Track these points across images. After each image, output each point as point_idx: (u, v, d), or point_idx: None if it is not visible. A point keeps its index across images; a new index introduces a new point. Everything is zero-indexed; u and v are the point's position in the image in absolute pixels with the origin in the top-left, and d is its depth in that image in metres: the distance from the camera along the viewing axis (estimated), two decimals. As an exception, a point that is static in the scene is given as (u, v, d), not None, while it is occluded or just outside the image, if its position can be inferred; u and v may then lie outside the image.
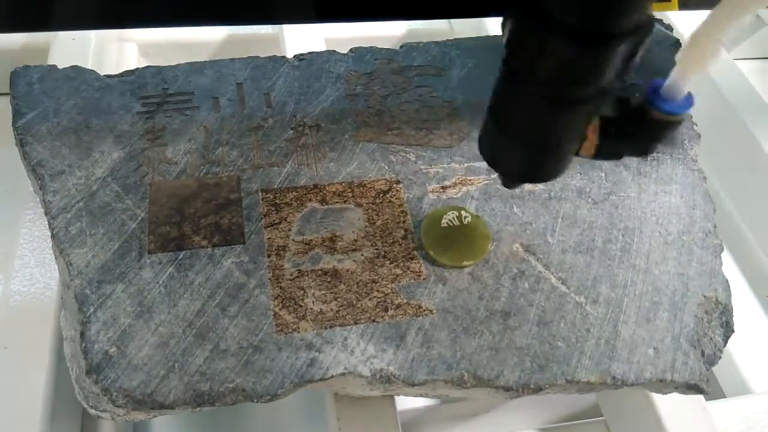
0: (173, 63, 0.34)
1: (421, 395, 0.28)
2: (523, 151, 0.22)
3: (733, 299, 0.49)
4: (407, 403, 0.40)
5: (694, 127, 0.35)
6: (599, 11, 0.16)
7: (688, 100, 0.20)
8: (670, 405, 0.33)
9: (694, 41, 0.19)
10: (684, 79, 0.20)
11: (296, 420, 0.39)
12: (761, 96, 0.49)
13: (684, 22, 0.52)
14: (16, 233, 0.36)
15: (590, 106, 0.19)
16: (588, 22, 0.16)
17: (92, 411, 0.26)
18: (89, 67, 0.34)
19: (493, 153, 0.23)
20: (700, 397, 0.34)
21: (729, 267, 0.51)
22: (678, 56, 0.19)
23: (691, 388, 0.27)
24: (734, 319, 0.48)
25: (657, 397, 0.33)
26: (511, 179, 0.24)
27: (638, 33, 0.17)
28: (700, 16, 0.53)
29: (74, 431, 0.33)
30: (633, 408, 0.34)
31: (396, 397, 0.32)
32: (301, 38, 0.46)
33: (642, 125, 0.21)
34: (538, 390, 0.25)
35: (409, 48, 0.36)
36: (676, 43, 0.38)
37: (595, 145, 0.21)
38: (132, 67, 0.34)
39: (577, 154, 0.21)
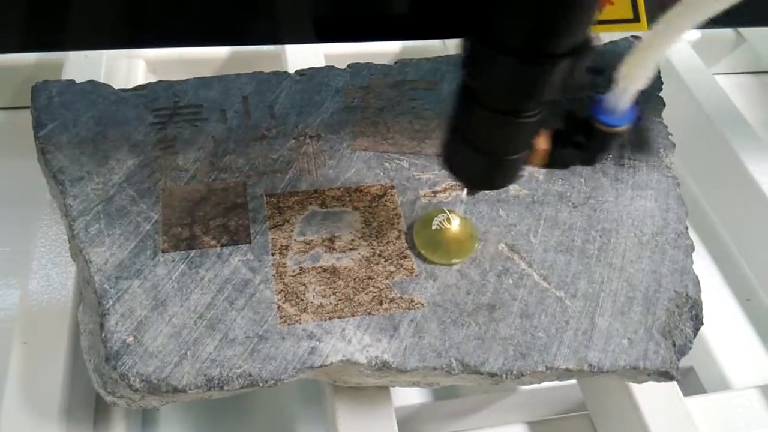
0: (179, 78, 0.36)
1: (414, 384, 0.31)
2: (479, 160, 0.24)
3: (716, 302, 0.51)
4: (403, 399, 0.42)
5: (669, 137, 0.37)
6: (540, 35, 0.19)
7: (631, 112, 0.22)
8: (648, 398, 0.35)
9: (631, 59, 0.21)
10: (624, 94, 0.22)
11: (297, 411, 0.41)
12: (738, 109, 0.52)
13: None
14: (34, 237, 0.38)
15: (537, 118, 0.22)
16: (531, 44, 0.19)
17: (109, 398, 0.28)
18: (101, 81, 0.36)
19: (452, 162, 0.25)
20: (678, 391, 0.36)
21: (712, 272, 0.54)
22: (616, 74, 0.21)
23: (662, 375, 0.29)
24: (716, 318, 0.50)
25: (637, 391, 0.35)
26: (470, 186, 0.27)
27: (577, 52, 0.19)
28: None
29: (88, 420, 0.35)
30: (615, 402, 0.36)
31: (393, 393, 0.34)
32: (302, 54, 0.48)
33: (588, 136, 0.23)
34: (520, 376, 0.28)
35: (403, 64, 0.39)
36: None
37: (546, 155, 0.24)
38: (141, 82, 0.36)
39: (530, 163, 0.24)
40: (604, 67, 0.39)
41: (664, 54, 0.20)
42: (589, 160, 0.24)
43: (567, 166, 0.25)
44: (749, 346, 0.50)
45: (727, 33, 0.65)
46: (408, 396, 0.42)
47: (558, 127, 0.24)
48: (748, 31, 0.65)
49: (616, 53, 0.41)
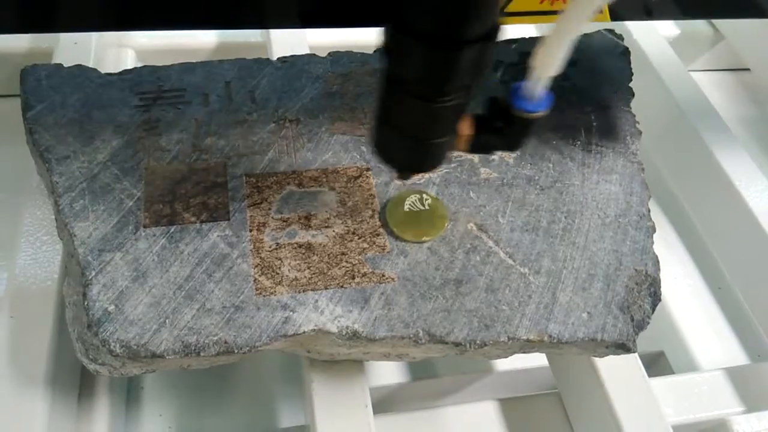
0: (168, 65, 0.38)
1: (385, 355, 0.32)
2: (405, 145, 0.25)
3: (689, 291, 0.53)
4: (381, 379, 0.44)
5: (636, 125, 0.39)
6: (449, 21, 0.19)
7: (548, 99, 0.24)
8: (614, 376, 0.36)
9: (542, 48, 0.21)
10: (539, 81, 0.23)
11: (277, 390, 0.43)
12: (713, 105, 0.53)
13: (636, 31, 0.57)
14: (22, 218, 0.39)
15: (456, 102, 0.22)
16: (440, 30, 0.20)
17: (91, 365, 0.29)
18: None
19: (380, 147, 0.26)
20: (641, 368, 0.37)
21: (686, 262, 0.56)
22: (530, 61, 0.22)
23: (620, 347, 0.30)
24: (688, 306, 0.52)
25: (603, 370, 0.36)
26: (399, 170, 0.27)
27: (486, 38, 0.20)
28: (653, 25, 0.57)
29: (73, 394, 0.36)
30: (582, 380, 0.38)
31: (370, 374, 0.36)
32: (287, 44, 0.50)
33: (508, 122, 0.24)
34: (483, 345, 0.29)
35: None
36: (625, 51, 0.42)
37: (468, 140, 0.25)
38: (129, 70, 0.37)
39: (455, 147, 0.25)
40: (576, 59, 0.41)
41: (573, 40, 0.20)
42: (511, 146, 0.25)
43: (489, 152, 0.26)
44: (720, 333, 0.52)
45: (704, 30, 0.67)
46: (385, 376, 0.44)
47: (479, 112, 0.25)
48: (725, 29, 0.67)
49: (593, 47, 0.42)
